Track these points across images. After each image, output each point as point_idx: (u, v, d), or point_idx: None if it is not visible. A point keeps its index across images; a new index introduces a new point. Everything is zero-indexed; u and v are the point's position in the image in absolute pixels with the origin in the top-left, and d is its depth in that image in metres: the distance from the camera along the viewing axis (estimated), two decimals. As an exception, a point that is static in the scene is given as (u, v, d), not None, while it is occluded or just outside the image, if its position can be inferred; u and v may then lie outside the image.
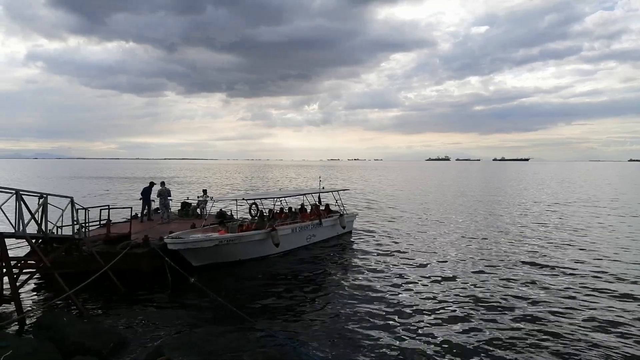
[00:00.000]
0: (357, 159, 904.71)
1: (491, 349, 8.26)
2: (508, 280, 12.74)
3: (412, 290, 11.85)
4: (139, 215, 19.11)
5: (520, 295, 11.38)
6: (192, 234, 14.72)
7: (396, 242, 18.54)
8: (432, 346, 8.37)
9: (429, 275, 13.34)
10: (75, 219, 11.54)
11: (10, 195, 9.45)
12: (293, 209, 19.18)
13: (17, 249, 12.04)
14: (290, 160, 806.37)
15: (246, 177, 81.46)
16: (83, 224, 12.49)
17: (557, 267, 14.24)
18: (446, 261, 15.13)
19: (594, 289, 11.84)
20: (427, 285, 12.26)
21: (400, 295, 11.43)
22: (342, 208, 20.80)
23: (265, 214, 18.31)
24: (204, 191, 22.38)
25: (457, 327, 9.30)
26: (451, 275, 13.26)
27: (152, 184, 19.57)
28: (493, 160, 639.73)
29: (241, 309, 10.01)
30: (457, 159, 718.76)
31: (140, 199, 19.25)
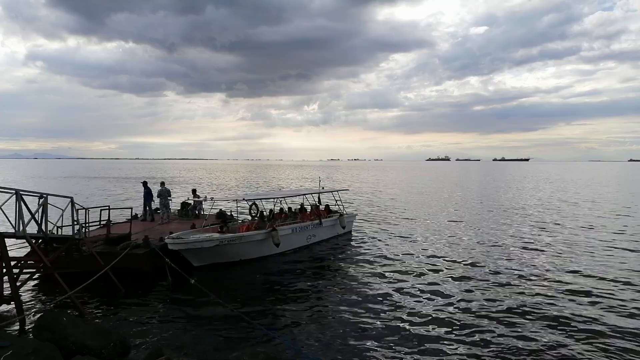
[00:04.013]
0: (357, 159, 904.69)
1: (490, 348, 8.26)
2: (505, 278, 12.74)
3: (412, 290, 11.85)
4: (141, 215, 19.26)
5: (517, 292, 11.39)
6: (193, 234, 14.72)
7: (396, 242, 18.55)
8: (432, 346, 8.37)
9: (428, 275, 13.33)
10: (75, 219, 11.52)
11: (10, 195, 9.44)
12: (293, 209, 19.19)
13: (17, 249, 12.04)
14: (290, 160, 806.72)
15: (245, 178, 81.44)
16: (83, 224, 12.48)
17: (560, 271, 14.25)
18: (446, 260, 15.11)
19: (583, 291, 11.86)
20: (427, 285, 12.24)
21: (400, 295, 11.42)
22: (341, 208, 20.81)
23: (265, 214, 18.32)
24: (193, 191, 22.18)
25: (457, 326, 9.29)
26: (451, 275, 13.25)
27: (145, 184, 19.61)
28: (493, 160, 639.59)
29: (241, 309, 10.01)
30: (457, 159, 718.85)
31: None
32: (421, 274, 13.43)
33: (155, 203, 19.34)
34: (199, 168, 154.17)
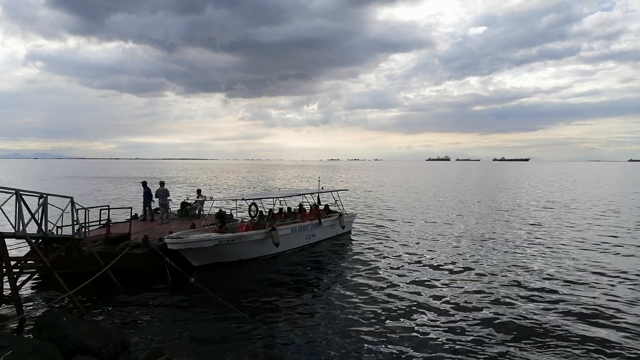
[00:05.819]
0: (357, 159, 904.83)
1: (490, 348, 8.28)
2: (504, 278, 12.77)
3: (411, 290, 11.86)
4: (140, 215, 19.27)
5: (515, 292, 11.41)
6: (192, 234, 14.73)
7: (395, 242, 18.56)
8: (431, 345, 8.39)
9: (428, 274, 13.35)
10: (75, 219, 11.54)
11: (10, 195, 9.46)
12: (292, 209, 19.20)
13: (17, 249, 12.06)
14: (290, 160, 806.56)
15: (245, 177, 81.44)
16: (83, 224, 12.49)
17: (559, 267, 14.29)
18: (445, 260, 15.12)
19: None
20: (426, 285, 12.26)
21: (399, 295, 11.42)
22: (341, 208, 20.83)
23: (264, 214, 18.32)
24: (198, 191, 22.47)
25: (457, 326, 9.31)
26: (450, 275, 13.27)
27: (144, 184, 19.62)
28: (493, 160, 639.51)
29: (241, 308, 10.03)
30: (457, 159, 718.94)
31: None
32: (421, 274, 13.44)
33: (155, 203, 19.37)
34: (199, 168, 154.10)
